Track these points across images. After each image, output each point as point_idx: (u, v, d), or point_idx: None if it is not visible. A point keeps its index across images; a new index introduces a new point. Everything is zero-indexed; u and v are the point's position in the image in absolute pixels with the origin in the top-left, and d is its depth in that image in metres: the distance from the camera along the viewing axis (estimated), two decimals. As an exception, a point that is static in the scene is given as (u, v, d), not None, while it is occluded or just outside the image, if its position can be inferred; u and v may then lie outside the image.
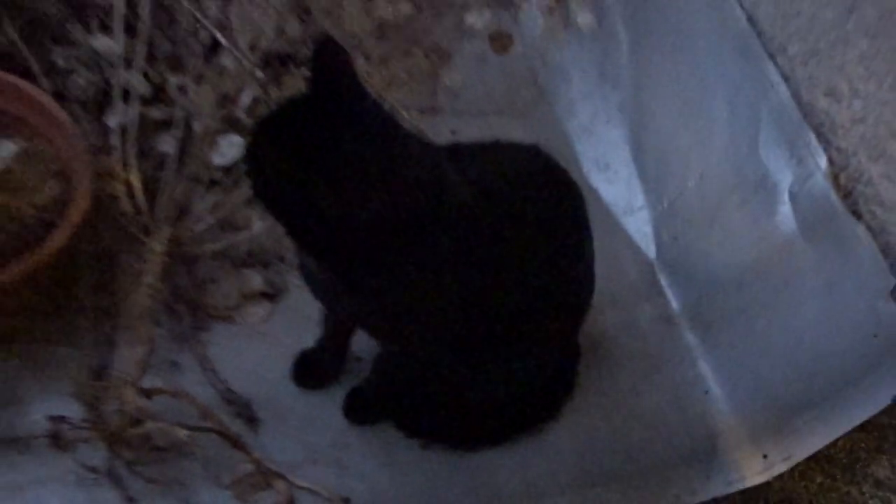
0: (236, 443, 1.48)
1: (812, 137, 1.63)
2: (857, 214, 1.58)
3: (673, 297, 1.79)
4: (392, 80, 1.81)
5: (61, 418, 1.49)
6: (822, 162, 1.61)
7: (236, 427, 1.54)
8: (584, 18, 1.92)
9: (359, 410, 1.60)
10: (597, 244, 1.55)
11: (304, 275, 1.43)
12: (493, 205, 1.37)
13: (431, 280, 1.34)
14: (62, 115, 1.67)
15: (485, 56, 1.94)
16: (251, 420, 1.57)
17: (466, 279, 1.37)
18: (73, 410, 1.51)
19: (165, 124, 1.77)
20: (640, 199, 1.87)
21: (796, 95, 1.66)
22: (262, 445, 1.54)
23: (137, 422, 1.45)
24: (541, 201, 1.46)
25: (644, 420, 1.66)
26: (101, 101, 1.78)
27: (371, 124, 1.25)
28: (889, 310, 1.50)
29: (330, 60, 1.25)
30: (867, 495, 1.60)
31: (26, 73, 1.75)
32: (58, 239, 1.54)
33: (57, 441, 1.49)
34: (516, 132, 1.57)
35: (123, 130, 1.71)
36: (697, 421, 1.66)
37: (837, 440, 1.55)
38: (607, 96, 1.94)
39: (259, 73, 1.78)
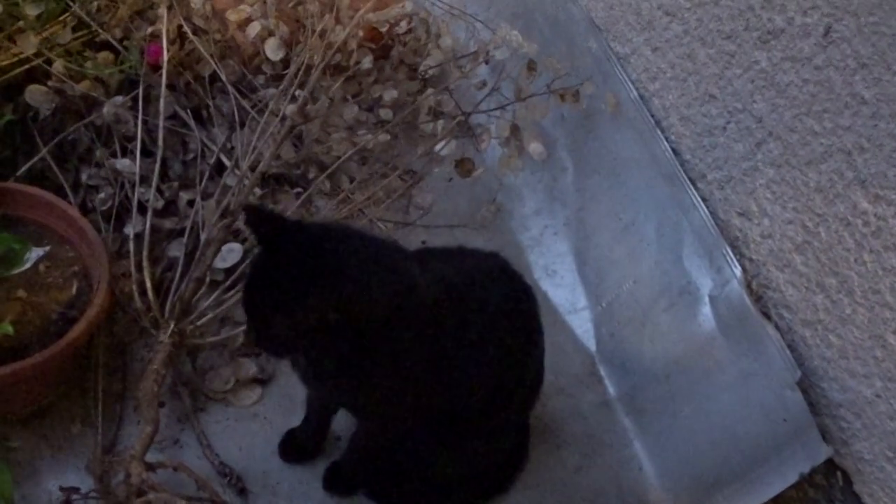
0: (229, 511, 1.45)
1: (728, 250, 1.63)
2: (767, 316, 1.58)
3: (611, 386, 1.77)
4: (371, 198, 1.81)
5: (73, 489, 1.46)
6: (738, 271, 1.61)
7: (229, 497, 1.51)
8: (535, 148, 1.93)
9: (337, 483, 1.56)
10: (545, 339, 1.55)
11: (293, 364, 1.41)
12: (458, 302, 1.36)
13: (403, 368, 1.33)
14: (86, 224, 1.66)
15: (451, 178, 1.94)
16: (242, 490, 1.54)
17: (433, 367, 1.36)
18: (84, 482, 1.48)
19: (175, 233, 1.77)
20: (582, 301, 1.86)
21: (714, 215, 1.67)
22: (253, 514, 1.50)
23: (141, 492, 1.41)
24: (500, 300, 1.45)
25: (587, 495, 1.64)
26: (120, 213, 1.77)
27: (337, 244, 1.26)
28: (795, 398, 1.50)
29: (263, 218, 1.26)
30: (778, 563, 1.57)
31: (57, 190, 1.75)
32: (78, 331, 1.52)
33: (69, 509, 1.45)
34: (478, 243, 1.57)
35: (138, 238, 1.70)
36: (632, 495, 1.63)
37: (753, 512, 1.53)
38: (555, 213, 1.95)
39: (258, 191, 1.78)
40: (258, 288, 1.25)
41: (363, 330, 1.23)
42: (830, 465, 1.52)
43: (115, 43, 1.84)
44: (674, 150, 1.75)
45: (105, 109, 1.79)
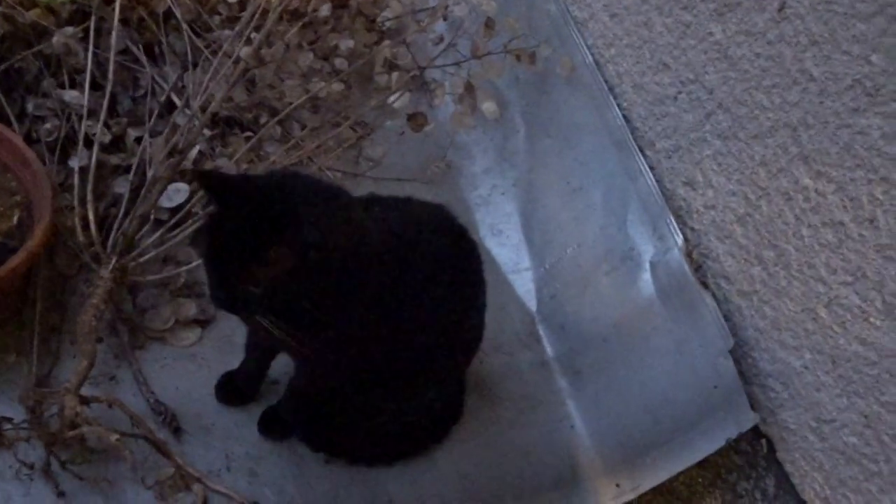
0: (161, 448, 1.45)
1: (672, 219, 1.66)
2: (705, 285, 1.61)
3: (549, 346, 1.79)
4: (322, 147, 1.81)
5: (5, 418, 1.45)
6: (679, 240, 1.64)
7: (163, 435, 1.51)
8: (488, 107, 1.94)
9: (272, 426, 1.57)
10: (488, 297, 1.56)
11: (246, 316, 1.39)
12: (403, 249, 1.37)
13: (349, 312, 1.33)
14: (31, 154, 1.63)
15: (402, 132, 1.94)
16: (176, 430, 1.53)
17: (377, 312, 1.36)
18: (17, 412, 1.46)
19: (122, 169, 1.75)
20: (526, 261, 1.88)
21: (661, 183, 1.70)
22: (185, 453, 1.50)
23: (74, 425, 1.40)
24: (444, 251, 1.46)
25: (519, 450, 1.66)
26: (65, 146, 1.75)
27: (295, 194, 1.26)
28: (727, 366, 1.53)
29: (214, 180, 1.27)
30: (701, 524, 1.61)
31: (2, 118, 1.72)
32: (17, 261, 1.50)
33: (-1, 439, 1.43)
34: (426, 198, 1.57)
35: (83, 172, 1.67)
36: (563, 453, 1.66)
37: (679, 475, 1.58)
38: (504, 173, 1.96)
39: (207, 132, 1.77)
40: (220, 248, 1.24)
41: (317, 275, 1.23)
42: (756, 433, 1.56)
43: (68, -28, 1.80)
44: (625, 117, 1.77)
45: (55, 39, 1.76)
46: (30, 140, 1.72)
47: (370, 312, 1.35)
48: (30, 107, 1.76)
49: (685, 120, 1.62)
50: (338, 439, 1.57)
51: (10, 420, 1.45)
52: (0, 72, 1.75)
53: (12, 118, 1.74)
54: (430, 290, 1.42)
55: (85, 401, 1.43)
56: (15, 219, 1.58)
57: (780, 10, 1.41)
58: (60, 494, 1.41)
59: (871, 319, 1.33)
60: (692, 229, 1.64)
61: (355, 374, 1.46)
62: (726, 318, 1.56)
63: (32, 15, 1.76)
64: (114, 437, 1.40)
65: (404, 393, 1.50)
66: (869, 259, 1.31)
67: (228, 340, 1.64)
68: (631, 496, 1.56)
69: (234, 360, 1.59)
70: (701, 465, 1.58)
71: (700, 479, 1.63)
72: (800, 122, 1.39)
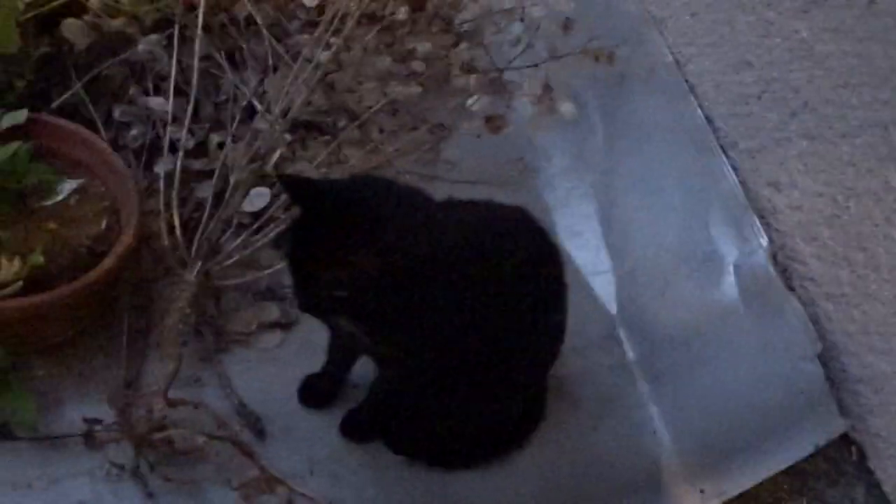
0: (246, 451, 1.47)
1: (755, 220, 1.64)
2: (790, 288, 1.59)
3: (629, 349, 1.77)
4: (400, 150, 1.82)
5: (95, 420, 1.48)
6: (764, 242, 1.62)
7: (247, 437, 1.52)
8: (566, 108, 1.93)
9: (354, 430, 1.57)
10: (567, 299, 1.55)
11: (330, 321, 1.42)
12: (483, 252, 1.37)
13: (432, 316, 1.33)
14: (117, 160, 1.67)
15: (480, 135, 1.94)
16: (260, 432, 1.55)
17: (458, 316, 1.36)
18: (107, 414, 1.49)
19: (205, 174, 1.77)
20: (605, 264, 1.86)
21: (744, 184, 1.68)
22: (269, 455, 1.51)
23: (162, 427, 1.43)
24: (526, 255, 1.46)
25: (599, 454, 1.64)
26: (150, 152, 1.78)
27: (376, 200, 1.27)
28: (814, 371, 1.51)
29: (297, 184, 1.30)
30: (787, 532, 1.59)
31: (89, 125, 1.75)
32: (106, 266, 1.53)
33: (90, 440, 1.47)
34: (504, 200, 1.57)
35: (168, 177, 1.70)
36: (645, 459, 1.64)
37: (765, 481, 1.55)
38: (582, 175, 1.94)
39: (287, 137, 1.79)
40: (304, 251, 1.26)
41: (402, 279, 1.24)
42: (845, 440, 1.53)
43: (152, -19, 1.84)
44: (706, 118, 1.75)
45: (140, 47, 1.79)
46: (116, 146, 1.76)
47: (452, 316, 1.35)
48: (116, 113, 1.80)
49: (769, 119, 1.60)
50: (418, 442, 1.57)
51: (100, 421, 1.48)
52: (87, 80, 1.79)
53: (99, 125, 1.77)
54: (512, 293, 1.42)
55: (172, 403, 1.45)
56: (103, 224, 1.61)
57: (871, 4, 1.38)
58: (149, 495, 1.44)
59: (966, 324, 1.29)
60: (777, 231, 1.61)
61: (437, 378, 1.45)
62: (813, 322, 1.54)
63: (117, 23, 1.79)
64: (200, 439, 1.43)
65: (485, 396, 1.50)
66: (963, 262, 1.28)
67: (310, 344, 1.63)
68: (715, 502, 1.54)
69: (317, 364, 1.60)
70: (787, 471, 1.56)
71: (785, 486, 1.60)
72: (890, 120, 1.37)
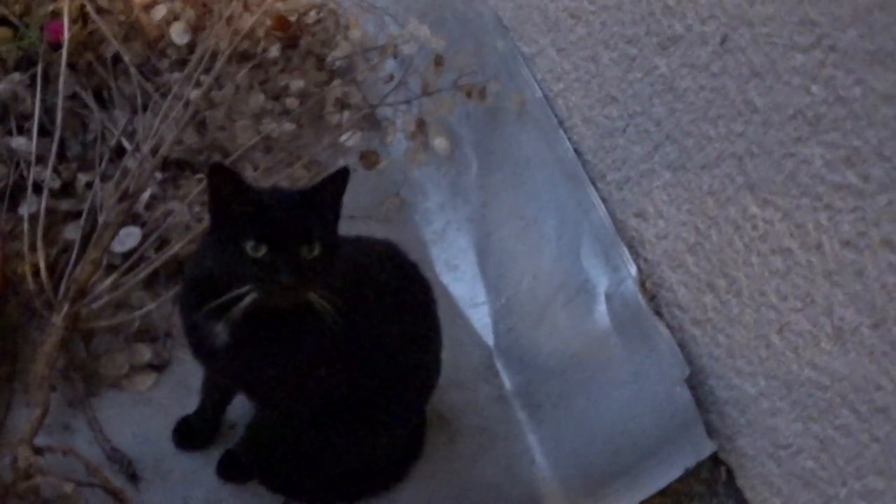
0: (119, 496, 1.44)
1: (625, 250, 1.67)
2: (659, 314, 1.62)
3: (507, 380, 1.79)
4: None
5: (-43, 471, 1.43)
6: (633, 270, 1.65)
7: (120, 483, 1.49)
8: (440, 143, 1.95)
9: (231, 470, 1.56)
10: (444, 332, 1.58)
11: (192, 344, 1.39)
12: (356, 288, 1.38)
13: (311, 355, 1.33)
14: (-22, 203, 1.62)
15: (355, 170, 1.93)
16: (133, 476, 1.52)
17: (333, 357, 1.37)
18: (-30, 464, 1.45)
19: (72, 215, 1.74)
20: (482, 296, 1.88)
21: (612, 215, 1.71)
22: (143, 500, 1.50)
23: (28, 476, 1.39)
24: (397, 290, 1.48)
25: (480, 485, 1.66)
26: (14, 193, 1.74)
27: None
28: (683, 395, 1.54)
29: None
30: (664, 554, 1.62)
31: (-51, 165, 1.71)
32: (-34, 310, 1.48)
33: (-48, 491, 1.42)
34: (381, 236, 1.58)
35: (33, 219, 1.67)
36: (524, 486, 1.66)
37: (641, 503, 1.58)
38: (458, 209, 1.97)
39: (158, 175, 1.77)
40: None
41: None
42: (715, 460, 1.57)
43: (13, 19, 1.80)
44: (576, 151, 1.79)
45: (1, 85, 1.76)
46: (-23, 188, 1.71)
47: (328, 352, 1.36)
48: (-24, 155, 1.76)
49: (634, 152, 1.65)
50: (297, 480, 1.56)
51: (-38, 472, 1.43)
52: (-54, 119, 1.74)
53: (-40, 166, 1.73)
54: (385, 329, 1.43)
55: (39, 451, 1.42)
56: (-37, 268, 1.56)
57: (723, 42, 1.44)
58: (16, 548, 1.39)
59: (822, 344, 1.35)
60: (645, 260, 1.65)
61: (313, 415, 1.46)
62: (681, 347, 1.57)
63: (-22, 61, 1.75)
64: (69, 486, 1.39)
65: (363, 432, 1.51)
66: (817, 285, 1.34)
67: (184, 384, 1.63)
68: (593, 527, 1.56)
69: (191, 404, 1.58)
70: (662, 493, 1.58)
71: (661, 508, 1.64)
72: (745, 151, 1.42)
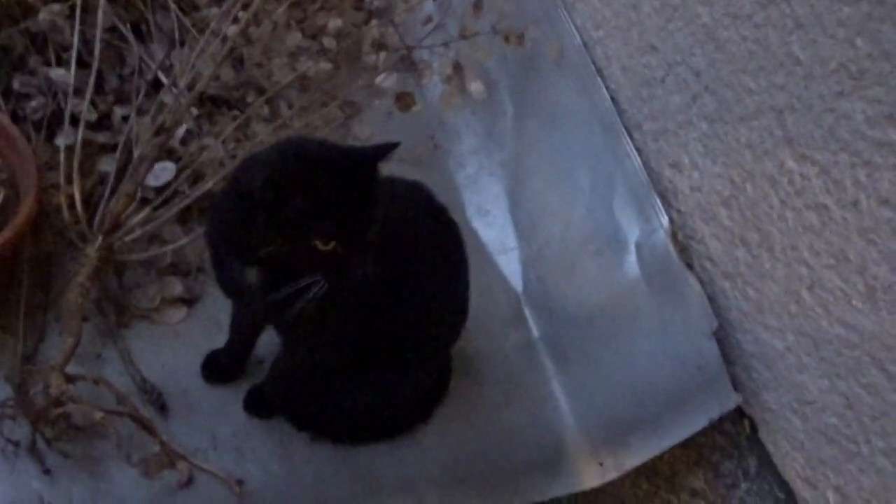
0: (147, 426, 1.46)
1: (657, 201, 1.67)
2: (690, 267, 1.63)
3: (535, 327, 1.80)
4: (310, 126, 1.81)
5: (-9, 396, 1.46)
6: (665, 221, 1.65)
7: (148, 413, 1.52)
8: (476, 87, 1.94)
9: (257, 405, 1.58)
10: (473, 277, 1.57)
11: (223, 282, 1.40)
12: (385, 233, 1.37)
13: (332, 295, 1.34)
14: (16, 132, 1.64)
15: (390, 112, 1.95)
16: (162, 408, 1.55)
17: (361, 297, 1.37)
18: (3, 390, 1.48)
19: (108, 148, 1.75)
20: (512, 242, 1.88)
21: (647, 165, 1.71)
22: (170, 431, 1.52)
23: (59, 403, 1.41)
24: (425, 231, 1.47)
25: (504, 431, 1.67)
26: (52, 124, 1.75)
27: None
28: (710, 347, 1.55)
29: None
30: (683, 503, 1.63)
31: (-13, 95, 1.72)
32: (2, 239, 1.50)
33: (-16, 416, 1.44)
34: (412, 178, 1.58)
35: (69, 150, 1.68)
36: (548, 433, 1.67)
37: (662, 454, 1.59)
38: (492, 154, 1.96)
39: (194, 111, 1.77)
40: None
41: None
42: (739, 414, 1.58)
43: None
44: (613, 99, 1.77)
45: (41, 16, 1.76)
46: (15, 118, 1.73)
47: (357, 290, 1.36)
48: (16, 84, 1.77)
49: (672, 102, 1.63)
50: (323, 418, 1.58)
51: (-5, 397, 1.45)
52: (-14, 49, 1.75)
53: (-2, 95, 1.73)
54: (413, 269, 1.43)
55: (70, 379, 1.44)
56: (0, 197, 1.58)
57: (767, -7, 1.41)
58: (46, 472, 1.43)
59: (853, 302, 1.34)
60: (678, 211, 1.65)
61: (341, 353, 1.46)
62: (710, 300, 1.57)
63: (18, -8, 1.75)
64: (98, 414, 1.41)
65: (389, 372, 1.51)
66: (851, 242, 1.33)
67: (214, 319, 1.64)
68: (614, 475, 1.57)
69: (220, 339, 1.60)
70: (684, 445, 1.60)
71: (683, 459, 1.65)
72: (785, 105, 1.40)
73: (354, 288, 1.31)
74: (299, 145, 1.31)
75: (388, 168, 1.77)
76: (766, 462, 1.54)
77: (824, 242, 1.37)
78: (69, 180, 1.65)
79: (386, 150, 1.28)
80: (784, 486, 1.51)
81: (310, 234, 1.22)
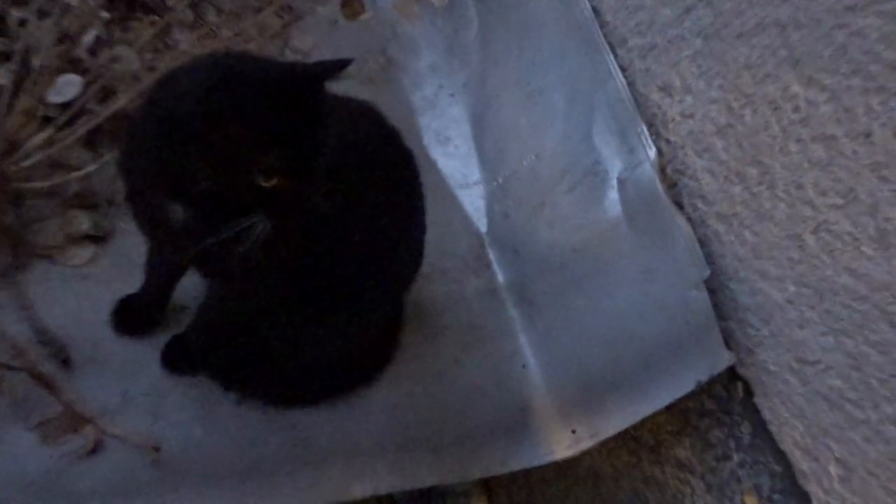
0: (47, 383, 1.45)
1: (644, 128, 1.65)
2: (679, 205, 1.62)
3: (500, 272, 1.80)
4: (241, 35, 1.78)
5: None
6: (652, 153, 1.64)
7: (49, 368, 1.49)
8: (436, -7, 1.92)
9: (177, 359, 1.56)
10: (430, 214, 1.56)
11: (140, 218, 1.36)
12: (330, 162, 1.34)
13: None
14: None
15: (335, 20, 1.92)
16: (65, 361, 1.52)
17: (300, 232, 1.34)
18: None
19: (2, 56, 1.70)
20: (475, 175, 1.88)
21: (632, 87, 1.69)
22: (76, 389, 1.50)
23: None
24: (374, 160, 1.44)
25: (462, 389, 1.67)
26: (-65, 28, 1.70)
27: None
28: (700, 298, 1.54)
29: None
30: (669, 475, 1.64)
31: None
32: None
33: None
34: (361, 98, 1.55)
35: (-44, 59, 1.64)
36: (513, 394, 1.67)
37: (644, 421, 1.60)
38: (454, 72, 1.95)
39: (104, 14, 1.73)
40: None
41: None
42: (731, 375, 1.58)
43: None
44: (594, 9, 1.75)
45: None
46: None
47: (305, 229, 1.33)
48: None
49: (662, 14, 1.61)
50: (253, 376, 1.57)
51: None
52: None
53: None
54: (359, 202, 1.40)
55: (-44, 330, 1.41)
56: None
57: None
58: (-72, 436, 1.40)
59: (863, 248, 1.34)
60: (667, 141, 1.64)
61: (274, 299, 1.44)
62: (702, 244, 1.57)
63: None
64: (-10, 370, 1.39)
65: (330, 322, 1.49)
66: (862, 179, 1.32)
67: (127, 259, 1.61)
68: (588, 444, 1.58)
69: (134, 283, 1.57)
70: (669, 409, 1.60)
71: (668, 426, 1.65)
72: (790, 19, 1.39)
73: (300, 227, 1.29)
74: (233, 61, 1.26)
75: (332, 86, 1.76)
76: (760, 430, 1.54)
77: (832, 179, 1.36)
78: (-45, 95, 1.61)
79: (334, 67, 1.24)
80: (781, 456, 1.52)
81: (250, 168, 1.18)
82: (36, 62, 1.63)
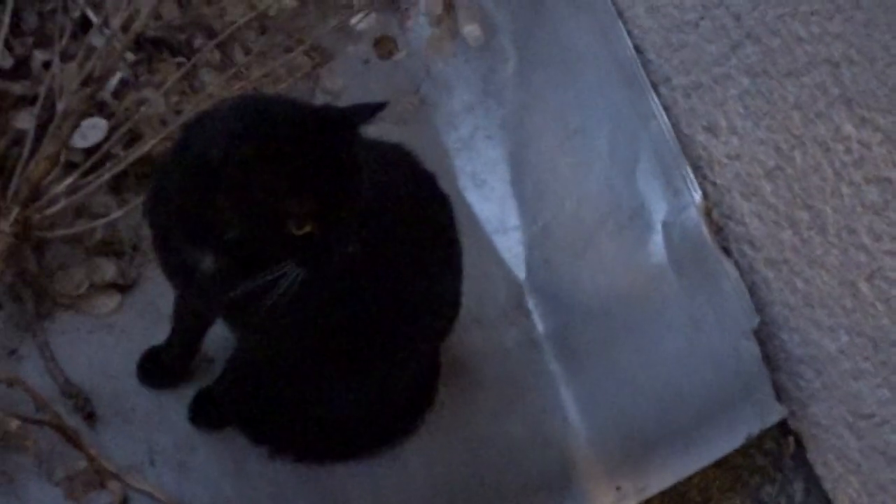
0: (72, 438, 1.47)
1: (689, 170, 1.67)
2: (726, 251, 1.63)
3: (540, 322, 1.81)
4: (270, 76, 1.81)
5: None
6: (697, 196, 1.65)
7: (74, 422, 1.52)
8: (471, 31, 1.93)
9: (206, 413, 1.59)
10: (466, 261, 1.57)
11: (167, 267, 1.39)
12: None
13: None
14: (-85, 80, 1.63)
15: (367, 60, 1.94)
16: (90, 415, 1.56)
17: (332, 283, 1.37)
18: None
19: (26, 100, 1.74)
20: (514, 219, 1.88)
21: (676, 127, 1.71)
22: (101, 443, 1.53)
23: (-34, 410, 1.42)
24: (408, 205, 1.47)
25: (501, 445, 1.69)
26: (-42, 71, 1.75)
27: None
28: (750, 348, 1.56)
29: None
30: (718, 535, 1.64)
31: None
32: None
33: None
34: (393, 139, 1.57)
35: (-21, 103, 1.68)
36: (554, 449, 1.69)
37: (692, 477, 1.60)
38: (490, 112, 1.96)
39: (130, 56, 1.76)
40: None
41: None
42: (783, 429, 1.59)
43: None
44: (636, 47, 1.77)
45: (-55, -59, 1.75)
46: (-85, 63, 1.72)
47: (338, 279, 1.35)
48: (-86, 22, 1.76)
49: (707, 51, 1.63)
50: (285, 430, 1.59)
51: None
52: None
53: None
54: (393, 252, 1.43)
55: (-21, 380, 1.44)
56: None
57: (823, -77, 1.41)
58: (-49, 491, 1.43)
59: (920, 296, 1.35)
60: (713, 184, 1.65)
61: (311, 352, 1.47)
62: (750, 292, 1.58)
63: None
64: (14, 423, 1.42)
65: (363, 375, 1.52)
66: (919, 223, 1.33)
67: (154, 308, 1.65)
68: (634, 500, 1.59)
69: (161, 333, 1.60)
70: (718, 465, 1.61)
71: (717, 482, 1.66)
72: (842, 57, 1.40)
73: (333, 277, 1.31)
74: (263, 104, 1.30)
75: (366, 128, 1.79)
76: (814, 487, 1.55)
77: (886, 223, 1.38)
78: (-23, 140, 1.65)
79: (369, 111, 1.27)
80: (836, 515, 1.53)
81: (281, 216, 1.21)
82: (60, 106, 1.66)
